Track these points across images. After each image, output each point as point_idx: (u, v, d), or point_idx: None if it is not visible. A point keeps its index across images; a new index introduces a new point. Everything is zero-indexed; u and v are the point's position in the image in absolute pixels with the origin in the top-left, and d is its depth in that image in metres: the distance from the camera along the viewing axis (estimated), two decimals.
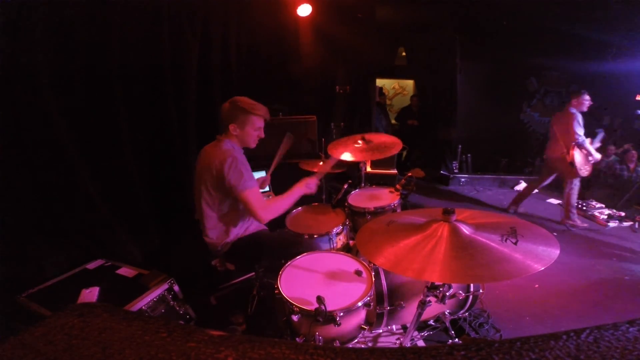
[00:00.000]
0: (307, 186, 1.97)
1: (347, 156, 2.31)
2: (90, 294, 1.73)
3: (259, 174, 2.46)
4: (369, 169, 4.09)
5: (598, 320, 2.30)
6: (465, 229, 1.19)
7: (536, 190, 4.19)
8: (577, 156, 3.49)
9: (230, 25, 3.40)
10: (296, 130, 3.57)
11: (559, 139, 3.64)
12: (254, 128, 1.87)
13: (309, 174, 2.77)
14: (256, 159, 2.97)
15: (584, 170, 3.54)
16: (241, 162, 1.78)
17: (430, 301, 1.33)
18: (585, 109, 3.59)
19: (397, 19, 5.21)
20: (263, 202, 1.80)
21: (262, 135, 1.94)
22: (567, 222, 3.81)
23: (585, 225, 3.82)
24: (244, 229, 1.99)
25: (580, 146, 3.48)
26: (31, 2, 1.88)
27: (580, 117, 3.51)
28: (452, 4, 4.93)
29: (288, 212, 2.37)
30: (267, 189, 3.08)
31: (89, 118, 2.30)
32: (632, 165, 4.48)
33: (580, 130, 3.48)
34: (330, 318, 1.32)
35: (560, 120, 3.68)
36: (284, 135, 2.37)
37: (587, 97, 3.57)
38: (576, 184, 3.69)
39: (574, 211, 3.78)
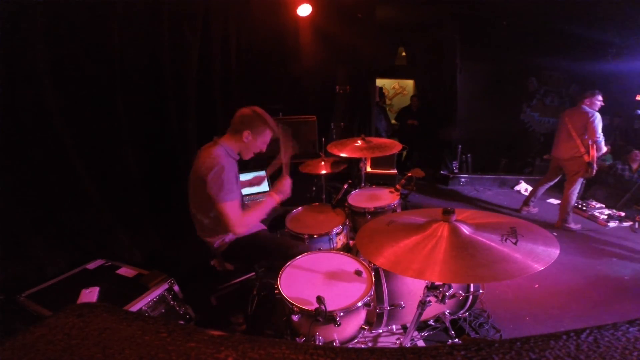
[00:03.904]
0: (280, 193, 1.92)
1: (347, 153, 2.33)
2: (90, 294, 1.73)
3: (259, 173, 2.46)
4: (369, 169, 4.09)
5: (598, 320, 2.30)
6: (465, 229, 1.19)
7: (542, 191, 4.18)
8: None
9: (230, 24, 3.40)
10: (296, 130, 3.59)
11: (576, 138, 3.52)
12: (263, 141, 1.90)
13: (309, 176, 2.78)
14: (256, 159, 2.97)
15: (595, 169, 3.48)
16: (227, 171, 1.74)
17: (430, 301, 1.33)
18: (597, 109, 3.51)
19: (397, 19, 5.22)
20: (239, 216, 1.76)
21: (264, 150, 1.94)
22: (563, 225, 3.75)
23: (579, 226, 3.78)
24: None
25: (598, 146, 3.41)
26: (31, 1, 1.88)
27: (600, 117, 3.44)
28: (452, 4, 4.93)
29: (288, 212, 2.37)
30: (266, 188, 3.09)
31: (88, 118, 2.30)
32: (635, 166, 4.46)
33: (601, 131, 3.41)
34: (330, 318, 1.32)
35: (575, 119, 3.54)
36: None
37: (600, 97, 3.51)
38: (580, 183, 3.63)
39: (571, 213, 3.73)
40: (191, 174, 1.88)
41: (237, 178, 1.94)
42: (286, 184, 1.95)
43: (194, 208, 1.89)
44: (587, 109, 3.51)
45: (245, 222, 1.80)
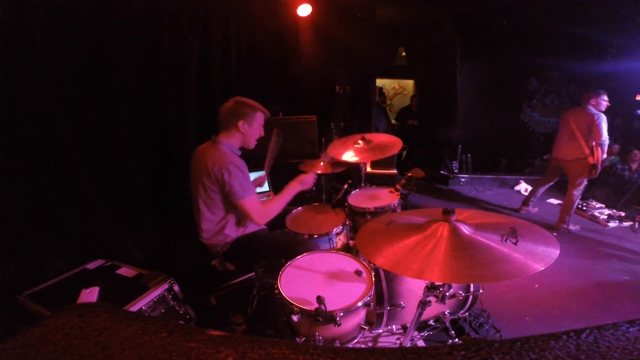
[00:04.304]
0: (302, 183, 1.99)
1: (347, 156, 2.31)
2: (90, 294, 1.73)
3: (259, 174, 2.45)
4: (369, 169, 4.09)
5: (598, 320, 2.30)
6: (465, 229, 1.18)
7: (541, 191, 4.16)
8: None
9: (230, 25, 3.40)
10: (296, 130, 3.58)
11: (580, 139, 3.45)
12: (259, 124, 1.91)
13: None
14: (256, 158, 2.99)
15: (599, 170, 3.43)
16: (240, 168, 1.78)
17: (430, 301, 1.33)
18: (603, 109, 3.44)
19: (397, 19, 5.21)
20: (260, 208, 1.83)
21: (263, 134, 1.96)
22: (562, 227, 3.72)
23: (577, 227, 3.76)
24: (242, 229, 1.99)
25: (603, 148, 3.35)
26: (31, 1, 1.88)
27: (605, 119, 3.37)
28: (452, 4, 4.93)
29: (288, 212, 2.37)
30: (266, 188, 3.09)
31: (88, 118, 2.31)
32: (634, 166, 4.46)
33: (606, 133, 3.35)
34: (330, 318, 1.32)
35: (580, 120, 3.46)
36: (272, 132, 2.35)
37: (605, 97, 3.43)
38: (585, 184, 3.58)
39: (572, 214, 3.70)
40: (193, 174, 1.88)
41: None
42: (309, 176, 2.03)
43: (202, 206, 1.86)
44: (593, 110, 3.43)
45: (267, 213, 1.86)
